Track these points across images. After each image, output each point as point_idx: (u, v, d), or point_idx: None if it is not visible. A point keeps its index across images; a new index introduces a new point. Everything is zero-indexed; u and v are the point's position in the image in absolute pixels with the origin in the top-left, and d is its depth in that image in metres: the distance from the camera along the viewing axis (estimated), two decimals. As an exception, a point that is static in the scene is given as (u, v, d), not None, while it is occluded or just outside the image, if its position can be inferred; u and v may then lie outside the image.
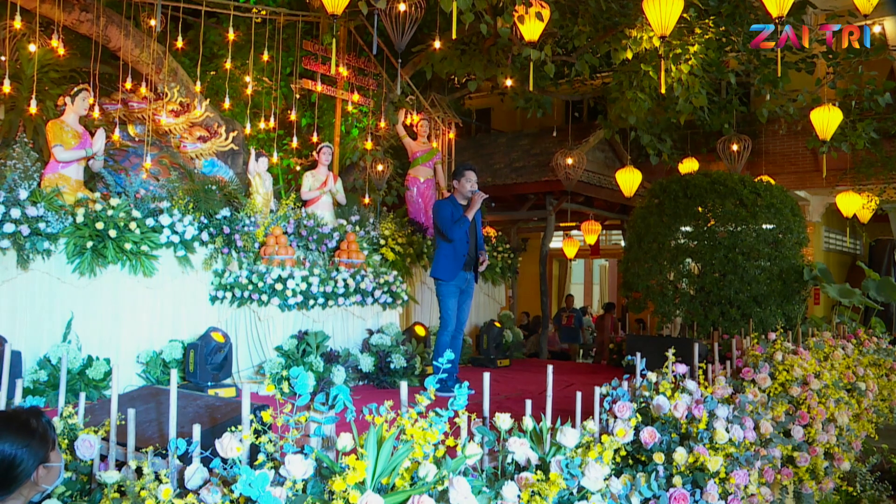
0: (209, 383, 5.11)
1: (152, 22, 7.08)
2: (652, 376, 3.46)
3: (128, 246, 5.19)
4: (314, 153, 7.40)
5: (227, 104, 7.61)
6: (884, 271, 13.83)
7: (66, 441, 2.54)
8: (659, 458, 2.97)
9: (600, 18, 8.50)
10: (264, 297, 5.67)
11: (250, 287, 5.68)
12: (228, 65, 8.09)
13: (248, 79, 8.41)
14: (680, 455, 3.02)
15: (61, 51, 6.65)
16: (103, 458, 2.54)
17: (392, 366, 5.97)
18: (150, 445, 2.30)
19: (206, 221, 5.74)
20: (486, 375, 2.68)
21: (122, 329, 5.35)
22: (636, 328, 11.12)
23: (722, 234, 7.00)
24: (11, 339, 4.58)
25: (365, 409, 2.13)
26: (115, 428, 2.56)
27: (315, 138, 8.51)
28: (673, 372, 3.61)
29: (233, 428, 2.09)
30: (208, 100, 7.92)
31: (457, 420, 2.36)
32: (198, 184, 6.04)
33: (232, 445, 2.02)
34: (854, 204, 11.57)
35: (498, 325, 7.92)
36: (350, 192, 8.32)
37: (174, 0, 7.22)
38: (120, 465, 2.47)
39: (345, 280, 6.12)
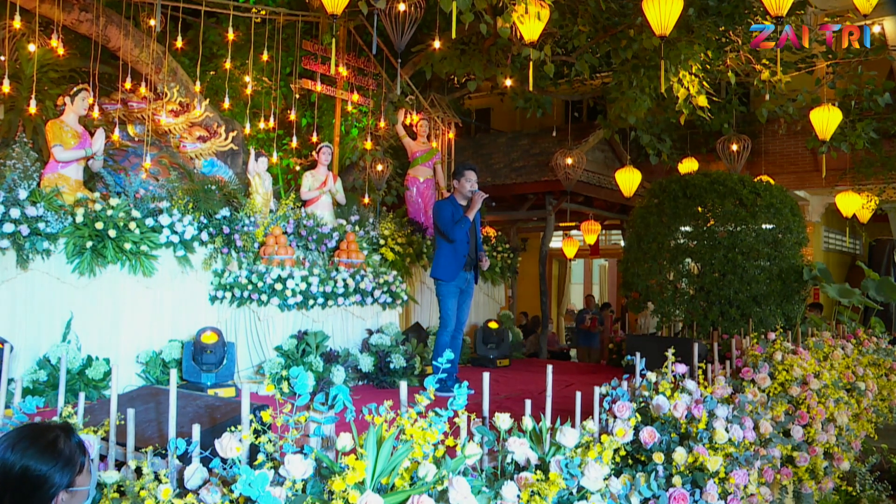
0: (208, 383, 5.11)
1: (152, 22, 7.08)
2: (651, 376, 3.46)
3: (127, 246, 5.18)
4: (314, 153, 7.40)
5: (226, 104, 7.60)
6: (883, 271, 13.83)
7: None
8: (658, 457, 2.97)
9: (600, 18, 8.49)
10: (264, 297, 5.66)
11: (250, 287, 5.68)
12: (228, 65, 8.08)
13: (247, 79, 8.39)
14: (679, 455, 3.02)
15: (61, 51, 6.64)
16: (103, 458, 2.54)
17: (392, 366, 5.97)
18: (149, 445, 2.30)
19: (205, 221, 5.74)
20: (486, 375, 2.68)
21: (122, 329, 5.35)
22: (636, 327, 11.13)
23: (721, 233, 6.99)
24: (11, 338, 4.57)
25: (364, 409, 2.13)
26: (115, 428, 2.56)
27: (315, 138, 8.50)
28: (673, 372, 3.61)
29: (232, 428, 2.09)
30: (208, 100, 7.91)
31: (456, 420, 2.36)
32: (197, 184, 6.04)
33: (231, 445, 2.02)
34: (854, 204, 11.57)
35: (496, 325, 7.91)
36: (350, 192, 8.31)
37: (174, 0, 7.22)
38: (119, 465, 2.47)
39: (344, 280, 6.12)
